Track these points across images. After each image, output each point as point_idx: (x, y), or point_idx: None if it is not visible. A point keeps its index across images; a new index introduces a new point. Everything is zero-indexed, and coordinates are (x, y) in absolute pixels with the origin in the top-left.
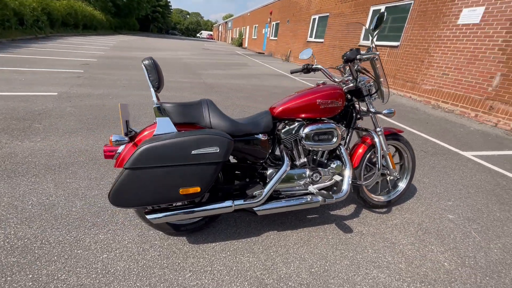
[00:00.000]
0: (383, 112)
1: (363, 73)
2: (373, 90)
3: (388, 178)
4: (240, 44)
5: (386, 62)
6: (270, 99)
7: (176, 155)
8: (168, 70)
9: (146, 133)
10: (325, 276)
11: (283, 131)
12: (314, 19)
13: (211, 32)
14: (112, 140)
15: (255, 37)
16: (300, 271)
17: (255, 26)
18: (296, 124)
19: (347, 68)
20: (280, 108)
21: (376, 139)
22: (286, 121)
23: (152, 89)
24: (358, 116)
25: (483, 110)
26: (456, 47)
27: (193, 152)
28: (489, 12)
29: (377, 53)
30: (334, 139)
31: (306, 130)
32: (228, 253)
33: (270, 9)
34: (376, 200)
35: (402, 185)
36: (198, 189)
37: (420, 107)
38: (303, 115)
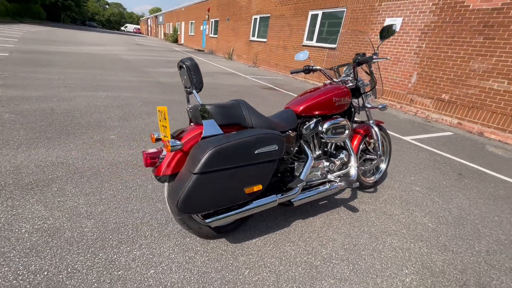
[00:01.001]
0: (379, 106)
1: (368, 74)
2: (368, 88)
3: (374, 162)
4: (176, 40)
5: (326, 62)
6: (234, 98)
7: (242, 156)
8: (110, 68)
9: (190, 136)
10: (357, 250)
11: (305, 127)
12: (256, 19)
13: (138, 26)
14: (171, 145)
15: (192, 34)
16: (337, 249)
17: (192, 22)
18: (314, 120)
19: (344, 69)
20: (303, 106)
21: (375, 130)
22: (304, 118)
23: (194, 91)
24: (356, 111)
25: (406, 103)
26: (383, 51)
27: (256, 151)
28: (406, 22)
29: (388, 57)
30: (346, 132)
31: (326, 125)
32: (271, 246)
33: (207, 5)
34: (368, 181)
35: (383, 166)
36: (260, 186)
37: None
38: (319, 112)
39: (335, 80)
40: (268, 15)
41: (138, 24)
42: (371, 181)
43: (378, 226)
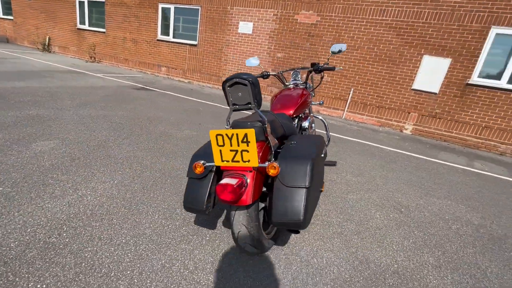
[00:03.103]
0: (320, 102)
1: (321, 78)
2: (311, 90)
3: None
4: None
5: (188, 59)
6: (111, 104)
7: (321, 161)
8: None
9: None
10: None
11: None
12: (81, 2)
13: None
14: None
15: None
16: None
17: None
18: (296, 119)
19: (292, 73)
20: (293, 109)
21: (319, 118)
22: (293, 119)
23: (255, 105)
24: None
25: (268, 94)
26: (241, 50)
27: (322, 154)
28: (256, 27)
29: (341, 67)
30: (313, 125)
31: (306, 122)
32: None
33: None
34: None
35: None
36: (323, 185)
37: None
38: (299, 112)
39: (286, 83)
40: (102, 0)
41: None
42: None
43: (354, 202)
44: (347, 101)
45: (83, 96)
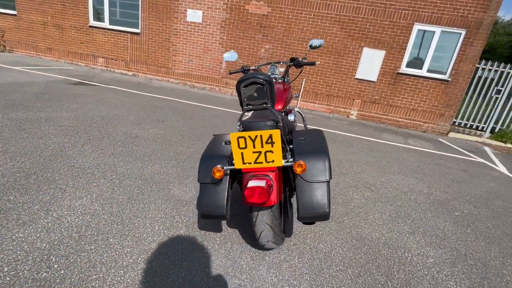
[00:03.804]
0: (296, 95)
1: (285, 72)
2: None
3: None
4: None
5: (131, 48)
6: (49, 104)
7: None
8: None
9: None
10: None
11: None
12: None
13: None
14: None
15: None
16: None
17: None
18: (283, 113)
19: (269, 67)
20: (281, 105)
21: (298, 112)
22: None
23: (270, 105)
24: None
25: (222, 85)
26: (192, 40)
27: None
28: (206, 16)
29: (318, 62)
30: (295, 118)
31: (292, 116)
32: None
33: None
34: None
35: None
36: None
37: (182, 88)
38: (284, 106)
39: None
40: None
41: None
42: None
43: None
44: (300, 91)
45: (7, 95)
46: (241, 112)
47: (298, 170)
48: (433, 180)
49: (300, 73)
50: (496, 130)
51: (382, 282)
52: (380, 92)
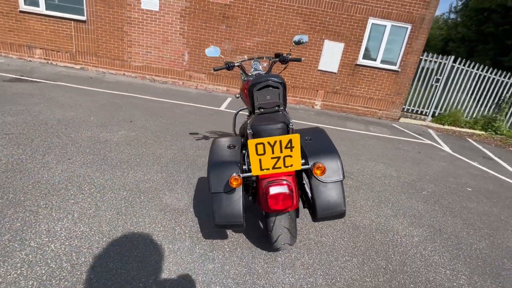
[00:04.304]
0: None
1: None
2: None
3: None
4: None
5: (76, 38)
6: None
7: None
8: None
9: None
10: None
11: None
12: None
13: None
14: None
15: None
16: None
17: None
18: None
19: (252, 63)
20: None
21: None
22: None
23: (282, 107)
24: None
25: (186, 79)
26: (149, 29)
27: None
28: (164, 3)
29: (303, 58)
30: None
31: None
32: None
33: None
34: None
35: None
36: None
37: (142, 82)
38: None
39: (249, 74)
40: None
41: None
42: None
43: None
44: (241, 78)
45: None
46: (236, 112)
47: (318, 172)
48: (398, 163)
49: (284, 68)
50: (436, 114)
51: (384, 266)
52: (341, 82)
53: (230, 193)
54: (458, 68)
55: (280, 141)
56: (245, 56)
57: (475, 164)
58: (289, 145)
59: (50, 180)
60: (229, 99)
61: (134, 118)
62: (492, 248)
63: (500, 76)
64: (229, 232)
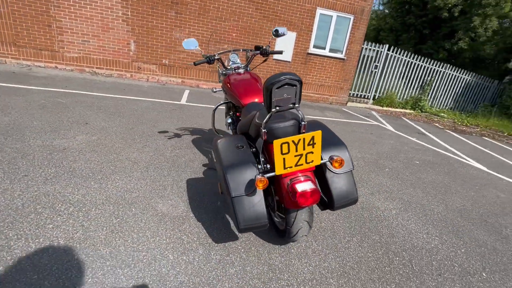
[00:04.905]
0: None
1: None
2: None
3: None
4: None
5: None
6: None
7: None
8: None
9: None
10: None
11: None
12: None
13: None
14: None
15: None
16: None
17: None
18: None
19: (231, 56)
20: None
21: None
22: None
23: (297, 105)
24: None
25: (135, 71)
26: (83, 14)
27: None
28: None
29: (283, 51)
30: None
31: None
32: None
33: None
34: None
35: None
36: None
37: (82, 76)
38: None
39: (228, 67)
40: None
41: None
42: None
43: None
44: (218, 72)
45: None
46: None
47: (336, 165)
48: (358, 145)
49: (264, 61)
50: (376, 97)
51: (378, 240)
52: (295, 71)
53: (251, 195)
54: (391, 55)
55: (304, 139)
56: (225, 48)
57: (414, 139)
58: (311, 142)
59: (10, 205)
60: (187, 92)
61: (88, 119)
62: (447, 211)
63: (422, 62)
64: (236, 231)
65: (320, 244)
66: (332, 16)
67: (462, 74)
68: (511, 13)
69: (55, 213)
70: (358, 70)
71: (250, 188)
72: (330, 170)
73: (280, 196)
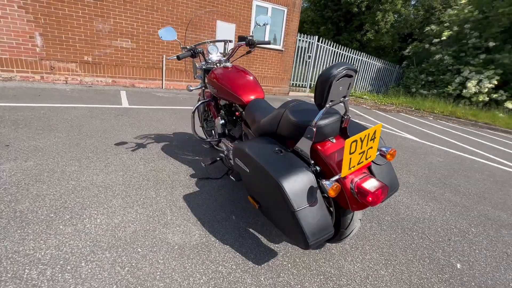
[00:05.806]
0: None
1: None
2: None
3: None
4: None
5: None
6: None
7: None
8: None
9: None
10: None
11: None
12: None
13: None
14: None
15: None
16: None
17: None
18: None
19: (212, 47)
20: (262, 92)
21: None
22: None
23: (347, 98)
24: None
25: (46, 71)
26: None
27: None
28: None
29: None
30: None
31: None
32: None
33: None
34: None
35: None
36: None
37: None
38: None
39: (208, 61)
40: None
41: None
42: None
43: None
44: (162, 69)
45: None
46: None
47: (389, 157)
48: None
49: (248, 53)
50: (312, 85)
51: (391, 220)
52: (239, 64)
53: (314, 204)
54: (321, 46)
55: (368, 134)
56: (206, 40)
57: (357, 121)
58: (373, 137)
59: None
60: (123, 93)
61: (6, 139)
62: (418, 180)
63: (345, 51)
64: (271, 246)
65: (353, 239)
66: (267, 8)
67: (374, 61)
68: (402, 9)
69: (24, 285)
70: (294, 61)
71: (312, 197)
72: (374, 163)
73: (336, 198)
